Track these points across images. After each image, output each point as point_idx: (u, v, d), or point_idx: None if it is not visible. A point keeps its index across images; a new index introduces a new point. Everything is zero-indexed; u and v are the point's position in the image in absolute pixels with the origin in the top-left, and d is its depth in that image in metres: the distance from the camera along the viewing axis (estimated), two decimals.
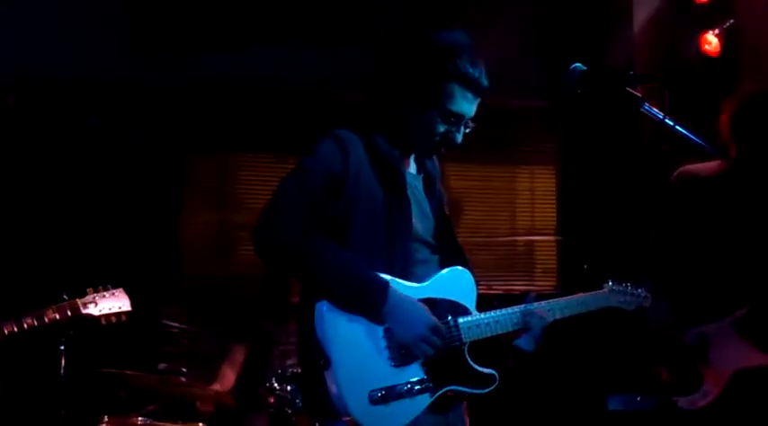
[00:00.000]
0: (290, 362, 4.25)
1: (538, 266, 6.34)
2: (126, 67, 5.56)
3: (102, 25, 5.54)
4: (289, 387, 3.98)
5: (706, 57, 5.42)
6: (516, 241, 6.32)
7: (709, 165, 3.37)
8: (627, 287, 3.01)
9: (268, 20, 5.69)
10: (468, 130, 2.64)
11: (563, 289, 2.84)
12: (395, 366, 2.43)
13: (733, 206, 3.32)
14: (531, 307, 2.67)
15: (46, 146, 5.49)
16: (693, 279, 3.45)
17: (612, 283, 2.97)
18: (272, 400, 4.01)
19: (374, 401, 2.37)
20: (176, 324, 5.59)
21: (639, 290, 3.04)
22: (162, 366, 4.26)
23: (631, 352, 3.76)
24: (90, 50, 5.49)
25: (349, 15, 5.63)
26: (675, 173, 3.44)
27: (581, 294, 2.85)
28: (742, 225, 3.33)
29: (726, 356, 3.38)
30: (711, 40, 5.38)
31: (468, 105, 2.60)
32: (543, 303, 2.70)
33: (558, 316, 2.72)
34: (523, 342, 2.67)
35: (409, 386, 2.43)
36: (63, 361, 3.93)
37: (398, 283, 2.48)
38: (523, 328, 2.64)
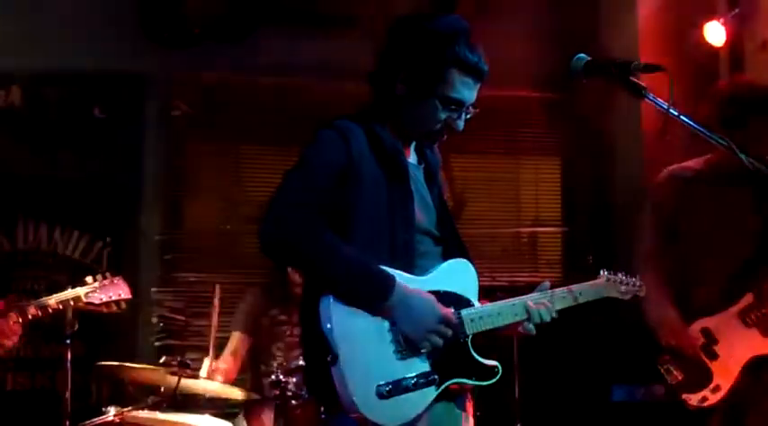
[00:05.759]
0: (294, 354, 4.24)
1: (542, 257, 6.32)
2: (131, 59, 5.55)
3: (107, 16, 5.53)
4: (294, 379, 3.97)
5: (711, 47, 5.40)
6: (521, 232, 6.30)
7: (696, 161, 3.51)
8: (622, 276, 2.98)
9: (274, 10, 5.67)
10: (469, 116, 2.59)
11: (567, 281, 2.82)
12: (401, 359, 2.41)
13: (724, 197, 3.41)
14: (534, 298, 2.64)
15: (51, 138, 5.49)
16: (691, 273, 3.48)
17: (608, 273, 2.94)
18: (277, 392, 4.01)
19: (381, 395, 2.35)
20: (180, 317, 5.59)
21: (634, 280, 3.01)
22: (166, 358, 4.26)
23: (636, 344, 3.76)
24: (95, 41, 5.47)
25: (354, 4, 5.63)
26: (663, 173, 3.57)
27: (579, 284, 2.82)
28: (734, 216, 3.42)
29: (735, 348, 3.41)
30: (717, 29, 5.35)
31: (468, 91, 2.55)
32: (539, 294, 2.67)
33: (558, 307, 2.68)
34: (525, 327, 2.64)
35: (415, 379, 2.41)
36: (69, 355, 3.94)
37: (402, 276, 2.45)
38: (526, 319, 2.61)
